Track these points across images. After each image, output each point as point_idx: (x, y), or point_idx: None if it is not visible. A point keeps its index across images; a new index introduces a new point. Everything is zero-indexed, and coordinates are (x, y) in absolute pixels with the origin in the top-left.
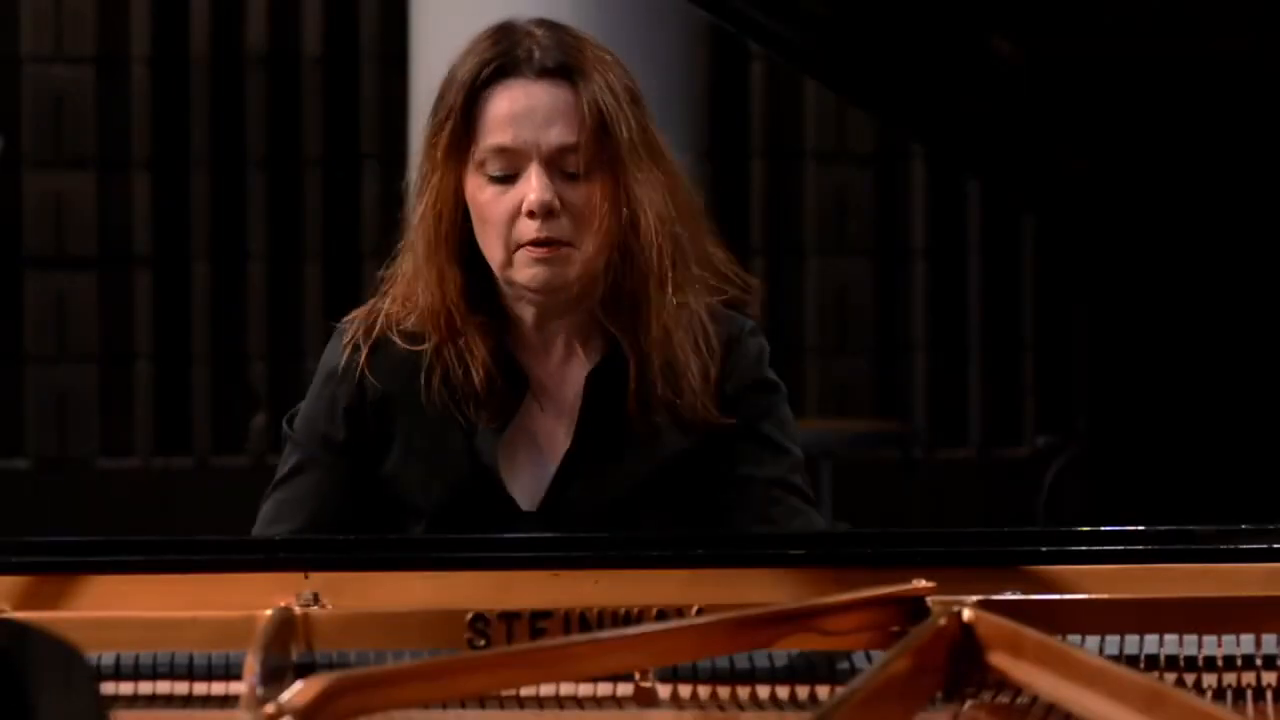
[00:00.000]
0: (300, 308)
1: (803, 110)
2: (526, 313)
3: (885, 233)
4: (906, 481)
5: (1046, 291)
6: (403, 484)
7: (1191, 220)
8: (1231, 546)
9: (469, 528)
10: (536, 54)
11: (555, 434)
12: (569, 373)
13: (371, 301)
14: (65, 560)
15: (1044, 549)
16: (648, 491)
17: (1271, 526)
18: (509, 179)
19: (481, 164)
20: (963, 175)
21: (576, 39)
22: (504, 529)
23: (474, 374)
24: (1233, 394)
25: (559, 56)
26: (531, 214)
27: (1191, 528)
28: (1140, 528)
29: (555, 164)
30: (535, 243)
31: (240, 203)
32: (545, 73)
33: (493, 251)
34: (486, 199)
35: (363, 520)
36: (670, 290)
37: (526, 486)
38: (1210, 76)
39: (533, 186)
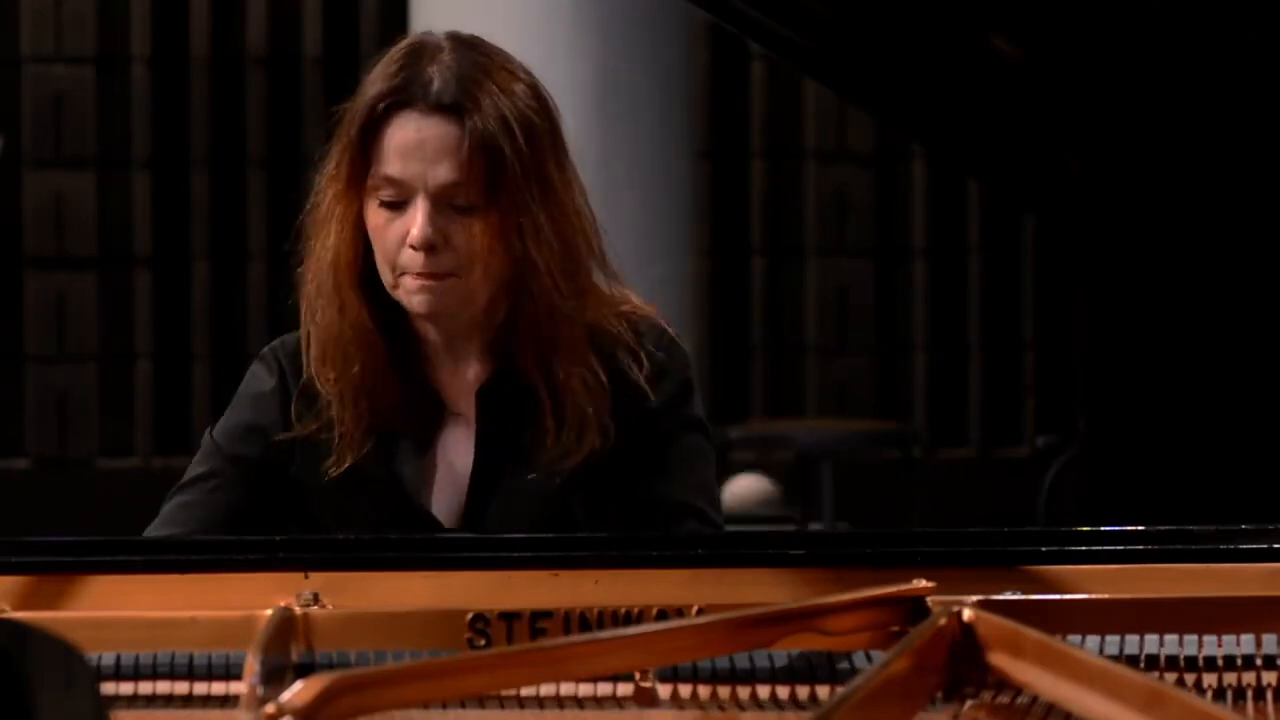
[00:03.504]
0: (300, 308)
1: (803, 110)
2: (431, 333)
3: (885, 233)
4: (906, 481)
5: (1046, 291)
6: (326, 503)
7: (1192, 220)
8: (1231, 546)
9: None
10: (435, 85)
11: (466, 451)
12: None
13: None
14: (65, 560)
15: (1044, 549)
16: (558, 508)
17: (1271, 526)
18: (399, 205)
19: (376, 189)
20: (963, 175)
21: (485, 65)
22: None
23: (388, 396)
24: (1233, 394)
25: (455, 90)
26: (414, 246)
27: (1191, 528)
28: (1140, 528)
29: (444, 198)
30: (418, 274)
31: (240, 203)
32: (439, 108)
33: (383, 274)
34: (379, 223)
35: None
36: (564, 319)
37: (444, 504)
38: (1211, 76)
39: (416, 222)
